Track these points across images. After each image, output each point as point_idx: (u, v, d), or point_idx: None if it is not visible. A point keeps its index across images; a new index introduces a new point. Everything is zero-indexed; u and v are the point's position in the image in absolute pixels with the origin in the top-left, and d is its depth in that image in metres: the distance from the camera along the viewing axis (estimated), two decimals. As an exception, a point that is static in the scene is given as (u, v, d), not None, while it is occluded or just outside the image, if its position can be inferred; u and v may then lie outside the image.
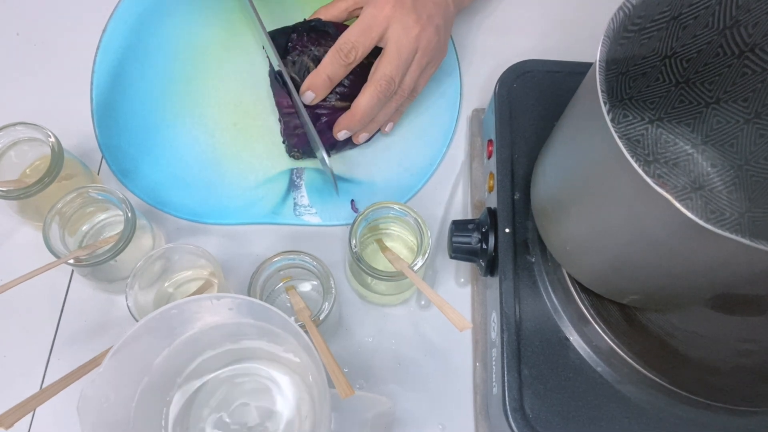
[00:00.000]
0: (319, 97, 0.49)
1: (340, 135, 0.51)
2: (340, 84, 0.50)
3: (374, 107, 0.49)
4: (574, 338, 0.41)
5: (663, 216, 0.27)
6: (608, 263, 0.36)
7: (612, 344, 0.39)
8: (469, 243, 0.45)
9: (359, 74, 0.49)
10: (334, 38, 0.49)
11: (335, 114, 0.51)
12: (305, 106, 0.50)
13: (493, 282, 0.45)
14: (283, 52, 0.51)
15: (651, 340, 0.40)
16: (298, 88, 0.50)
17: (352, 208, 0.53)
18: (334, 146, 0.53)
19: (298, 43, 0.51)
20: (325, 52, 0.48)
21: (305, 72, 0.50)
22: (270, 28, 0.52)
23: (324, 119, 0.51)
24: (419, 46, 0.48)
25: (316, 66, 0.49)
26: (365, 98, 0.48)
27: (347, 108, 0.50)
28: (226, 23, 0.60)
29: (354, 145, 0.55)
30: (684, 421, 0.39)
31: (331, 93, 0.50)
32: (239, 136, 0.56)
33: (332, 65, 0.48)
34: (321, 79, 0.48)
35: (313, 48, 0.51)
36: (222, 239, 0.52)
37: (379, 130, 0.54)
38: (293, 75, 0.50)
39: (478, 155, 0.55)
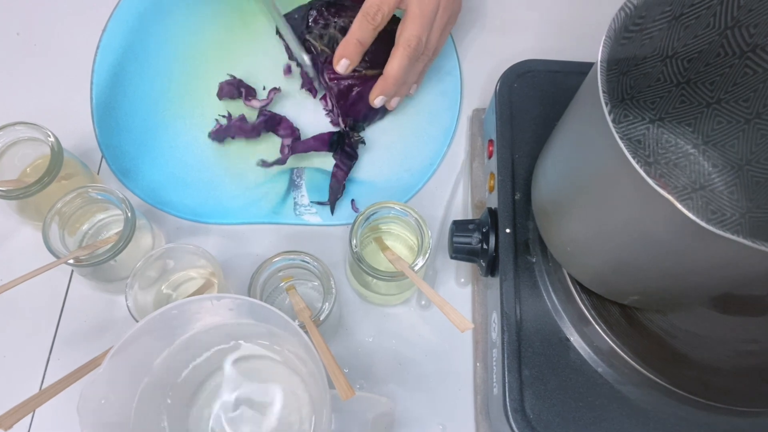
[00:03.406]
0: (353, 63, 0.50)
1: (377, 101, 0.52)
2: (367, 52, 0.51)
3: (406, 69, 0.50)
4: (575, 339, 0.41)
5: (664, 216, 0.27)
6: (609, 264, 0.36)
7: (613, 345, 0.39)
8: (470, 243, 0.45)
9: (384, 41, 0.50)
10: (352, 9, 0.50)
11: (366, 83, 0.52)
12: (336, 79, 0.51)
13: (494, 282, 0.45)
14: (304, 28, 0.53)
15: (651, 341, 0.40)
16: (328, 60, 0.51)
17: (352, 207, 0.53)
18: (366, 118, 0.54)
19: (320, 17, 0.53)
20: (349, 22, 0.50)
21: (334, 44, 0.51)
22: (283, 11, 0.55)
23: (356, 89, 0.52)
24: (440, 3, 0.49)
25: (343, 36, 0.50)
26: (396, 61, 0.49)
27: (377, 75, 0.51)
28: (226, 23, 0.60)
29: (383, 116, 0.56)
30: (684, 422, 0.39)
31: (359, 62, 0.51)
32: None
33: (361, 30, 0.48)
34: (352, 45, 0.49)
35: (336, 20, 0.52)
36: (222, 239, 0.52)
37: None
38: (323, 47, 0.52)
39: (478, 155, 0.55)
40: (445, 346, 0.49)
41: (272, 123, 0.54)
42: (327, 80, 0.52)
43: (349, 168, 0.53)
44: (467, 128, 0.57)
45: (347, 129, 0.54)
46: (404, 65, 0.49)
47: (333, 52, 0.50)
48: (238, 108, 0.56)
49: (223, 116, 0.55)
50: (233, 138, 0.54)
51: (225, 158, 0.55)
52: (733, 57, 0.38)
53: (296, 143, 0.53)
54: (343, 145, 0.53)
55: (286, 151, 0.53)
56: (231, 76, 0.56)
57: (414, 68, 0.51)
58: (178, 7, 0.60)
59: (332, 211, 0.53)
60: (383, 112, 0.55)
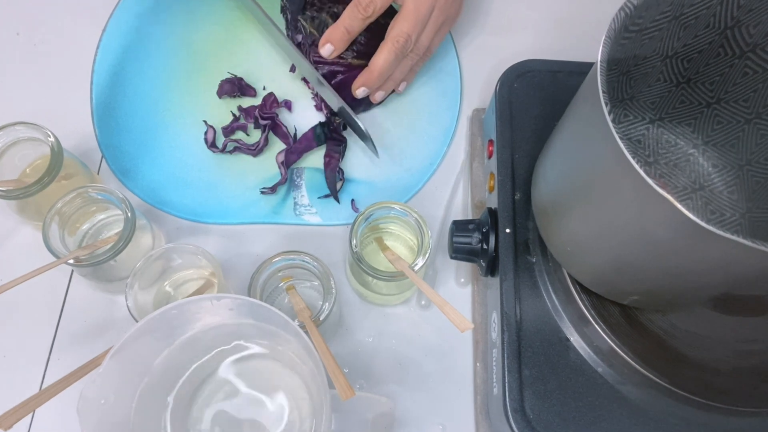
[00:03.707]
0: (337, 50, 0.50)
1: (359, 92, 0.51)
2: (356, 42, 0.51)
3: (391, 64, 0.50)
4: (575, 339, 0.41)
5: (664, 216, 0.27)
6: (609, 264, 0.36)
7: (612, 345, 0.39)
8: (470, 243, 0.45)
9: (375, 33, 0.50)
10: None
11: (351, 72, 0.52)
12: (321, 63, 0.51)
13: (494, 282, 0.45)
14: (299, 9, 0.53)
15: (651, 341, 0.40)
16: (315, 42, 0.51)
17: (352, 207, 0.53)
18: (349, 106, 0.54)
19: (317, 0, 0.53)
20: (344, 8, 0.50)
21: (324, 28, 0.51)
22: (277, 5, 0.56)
23: (340, 76, 0.52)
24: (437, 4, 0.49)
25: (334, 22, 0.50)
26: (383, 55, 0.49)
27: (363, 66, 0.51)
28: (226, 22, 0.60)
29: (367, 107, 0.56)
30: (684, 422, 0.39)
31: (347, 50, 0.51)
32: (239, 135, 0.55)
33: (350, 18, 0.48)
34: (339, 32, 0.49)
35: (331, 5, 0.53)
36: (222, 239, 0.52)
37: (393, 90, 0.55)
38: (312, 30, 0.52)
39: (478, 155, 0.55)
40: (445, 346, 0.49)
41: (272, 127, 0.54)
42: (311, 62, 0.52)
43: (340, 153, 0.53)
44: (467, 128, 0.57)
45: (328, 114, 0.54)
46: (390, 60, 0.49)
47: (321, 36, 0.51)
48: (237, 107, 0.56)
49: (235, 119, 0.55)
50: (232, 153, 0.54)
51: (225, 158, 0.55)
52: (733, 57, 0.38)
53: (289, 156, 0.53)
54: (329, 134, 0.53)
55: (284, 170, 0.52)
56: (232, 74, 0.56)
57: (401, 65, 0.51)
58: (178, 7, 0.60)
59: (337, 200, 0.53)
60: (367, 104, 0.55)
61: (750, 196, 0.43)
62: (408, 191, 0.54)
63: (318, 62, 0.52)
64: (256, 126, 0.55)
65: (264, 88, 0.57)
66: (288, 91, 0.57)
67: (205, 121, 0.55)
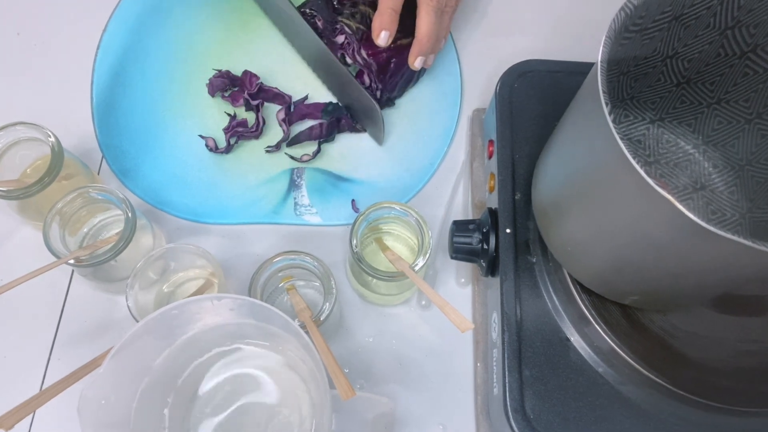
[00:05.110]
0: (392, 32, 0.51)
1: (417, 63, 0.53)
2: None
3: (435, 24, 0.51)
4: (575, 339, 0.41)
5: (664, 217, 0.27)
6: (609, 264, 0.36)
7: (613, 345, 0.39)
8: (470, 243, 0.45)
9: (404, 8, 0.51)
10: None
11: (401, 53, 0.53)
12: (374, 54, 0.53)
13: (494, 282, 0.45)
14: (331, 12, 0.54)
15: (652, 341, 0.40)
16: (365, 36, 0.53)
17: (352, 208, 0.53)
18: (402, 90, 0.56)
19: None
20: None
21: (368, 19, 0.52)
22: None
23: (393, 61, 0.53)
24: None
25: (374, 10, 0.51)
26: (425, 19, 0.50)
27: (409, 42, 0.52)
28: (226, 22, 0.60)
29: (415, 83, 0.58)
30: (684, 422, 0.39)
31: None
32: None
33: None
34: (387, 15, 0.50)
35: None
36: (222, 239, 0.52)
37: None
38: (358, 25, 0.53)
39: (478, 155, 0.55)
40: (446, 346, 0.49)
41: (266, 98, 0.55)
42: (365, 57, 0.53)
43: (322, 136, 0.54)
44: (467, 128, 0.57)
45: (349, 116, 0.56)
46: (433, 21, 0.50)
47: (368, 27, 0.51)
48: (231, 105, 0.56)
49: (226, 128, 0.55)
50: (237, 143, 0.55)
51: (225, 158, 0.55)
52: (734, 57, 0.38)
53: (290, 114, 0.54)
54: (339, 119, 0.55)
55: (285, 127, 0.54)
56: (217, 70, 0.56)
57: (442, 22, 0.52)
58: (178, 7, 0.60)
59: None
60: (416, 79, 0.57)
61: (750, 196, 0.43)
62: (408, 191, 0.54)
63: (371, 54, 0.53)
64: (248, 108, 0.55)
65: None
66: (291, 89, 0.57)
67: (201, 135, 0.55)
